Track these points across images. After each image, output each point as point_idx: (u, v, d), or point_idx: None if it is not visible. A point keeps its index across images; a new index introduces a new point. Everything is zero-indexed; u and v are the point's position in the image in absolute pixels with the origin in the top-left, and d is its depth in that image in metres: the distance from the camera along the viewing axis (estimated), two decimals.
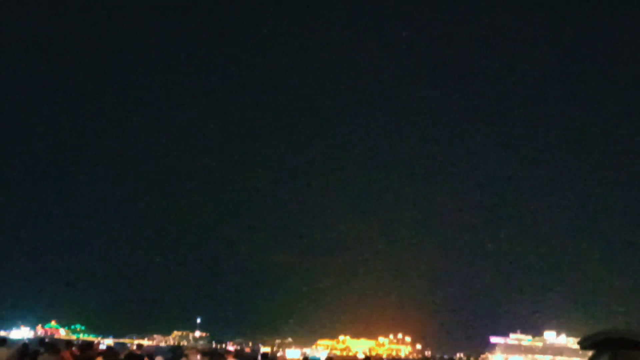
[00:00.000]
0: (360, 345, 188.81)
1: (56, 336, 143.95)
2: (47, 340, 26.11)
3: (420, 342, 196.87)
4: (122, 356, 19.23)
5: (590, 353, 23.36)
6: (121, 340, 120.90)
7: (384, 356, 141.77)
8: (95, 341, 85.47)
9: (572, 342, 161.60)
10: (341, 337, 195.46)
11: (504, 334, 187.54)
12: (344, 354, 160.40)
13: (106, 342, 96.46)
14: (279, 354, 76.55)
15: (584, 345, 24.19)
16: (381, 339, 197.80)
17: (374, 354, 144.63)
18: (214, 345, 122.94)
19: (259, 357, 21.28)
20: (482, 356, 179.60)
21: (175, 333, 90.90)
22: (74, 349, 21.16)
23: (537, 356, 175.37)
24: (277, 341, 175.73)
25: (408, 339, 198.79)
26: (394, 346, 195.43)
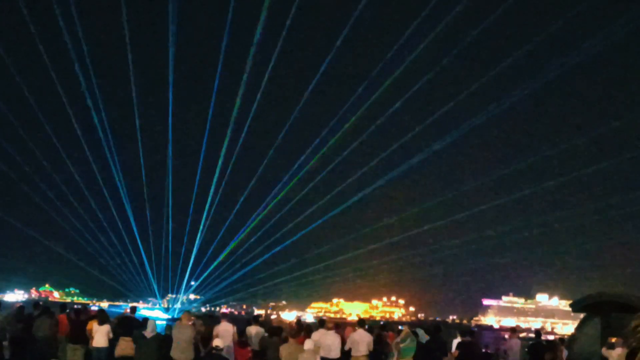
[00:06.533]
0: (354, 308, 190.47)
1: (50, 299, 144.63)
2: (41, 303, 26.16)
3: (413, 305, 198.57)
4: (115, 320, 19.33)
5: (582, 316, 23.55)
6: (115, 303, 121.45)
7: (378, 318, 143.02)
8: (90, 304, 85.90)
9: (564, 305, 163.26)
10: (335, 300, 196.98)
11: (497, 296, 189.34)
12: (338, 316, 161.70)
13: (99, 305, 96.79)
14: (273, 317, 76.97)
15: (576, 308, 24.41)
16: (375, 301, 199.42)
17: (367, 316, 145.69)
18: (208, 308, 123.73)
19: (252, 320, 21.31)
20: (475, 318, 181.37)
21: (170, 296, 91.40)
22: (68, 311, 21.26)
23: (529, 319, 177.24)
24: (271, 304, 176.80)
25: (402, 301, 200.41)
26: (387, 309, 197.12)
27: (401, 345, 18.24)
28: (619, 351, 17.31)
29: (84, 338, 18.19)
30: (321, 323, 19.24)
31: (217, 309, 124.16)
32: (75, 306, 29.32)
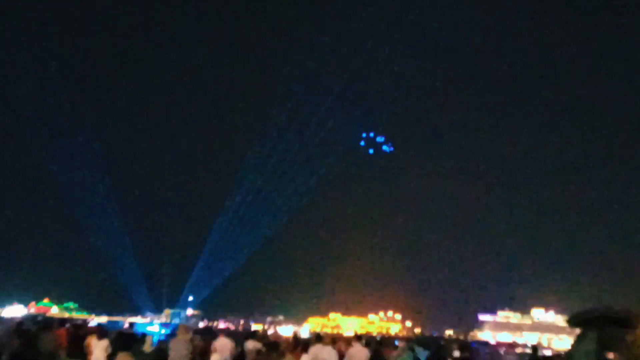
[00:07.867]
0: (351, 323, 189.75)
1: (48, 314, 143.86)
2: (39, 318, 26.24)
3: (410, 320, 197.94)
4: (113, 335, 19.38)
5: (578, 330, 23.63)
6: (114, 319, 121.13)
7: (375, 333, 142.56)
8: (88, 319, 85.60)
9: (561, 320, 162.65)
10: (332, 315, 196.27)
11: (493, 311, 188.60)
12: (335, 331, 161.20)
13: (98, 320, 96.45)
14: (270, 332, 76.62)
15: (572, 322, 24.47)
16: (372, 316, 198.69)
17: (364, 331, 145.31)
18: (206, 323, 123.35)
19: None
20: (471, 333, 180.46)
21: (168, 311, 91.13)
22: (68, 325, 21.36)
23: (525, 333, 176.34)
24: (269, 319, 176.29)
25: (398, 316, 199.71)
26: (384, 324, 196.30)
27: None
28: None
29: (83, 353, 18.23)
30: (318, 338, 19.28)
31: (215, 323, 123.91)
32: (73, 321, 29.36)
